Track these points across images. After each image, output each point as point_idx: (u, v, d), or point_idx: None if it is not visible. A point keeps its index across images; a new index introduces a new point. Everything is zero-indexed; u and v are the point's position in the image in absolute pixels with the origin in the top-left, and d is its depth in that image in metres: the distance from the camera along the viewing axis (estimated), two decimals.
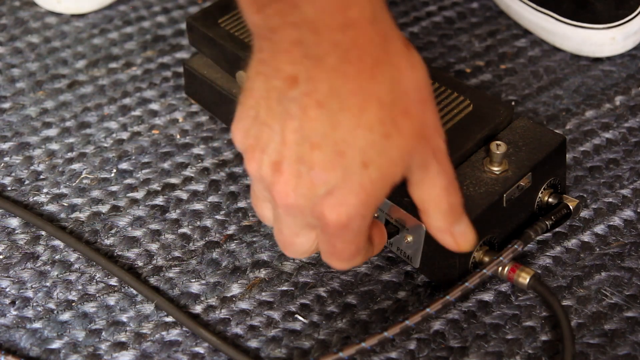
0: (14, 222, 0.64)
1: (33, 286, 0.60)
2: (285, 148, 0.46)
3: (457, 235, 0.50)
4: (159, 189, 0.66)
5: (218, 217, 0.64)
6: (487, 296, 0.59)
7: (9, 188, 0.66)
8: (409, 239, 0.57)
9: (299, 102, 0.45)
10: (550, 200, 0.60)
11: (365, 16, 0.43)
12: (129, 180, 0.66)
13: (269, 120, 0.46)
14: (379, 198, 0.47)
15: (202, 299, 0.59)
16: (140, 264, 0.61)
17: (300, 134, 0.45)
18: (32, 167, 0.67)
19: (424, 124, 0.47)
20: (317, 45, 0.43)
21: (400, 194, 0.57)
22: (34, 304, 0.59)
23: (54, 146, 0.69)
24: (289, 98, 0.45)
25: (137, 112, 0.71)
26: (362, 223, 0.47)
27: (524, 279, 0.56)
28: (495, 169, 0.57)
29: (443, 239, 0.51)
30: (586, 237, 0.62)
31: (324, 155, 0.45)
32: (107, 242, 0.62)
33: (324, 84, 0.44)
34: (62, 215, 0.64)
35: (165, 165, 0.67)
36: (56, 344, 0.57)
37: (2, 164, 0.68)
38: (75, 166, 0.67)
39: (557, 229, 0.62)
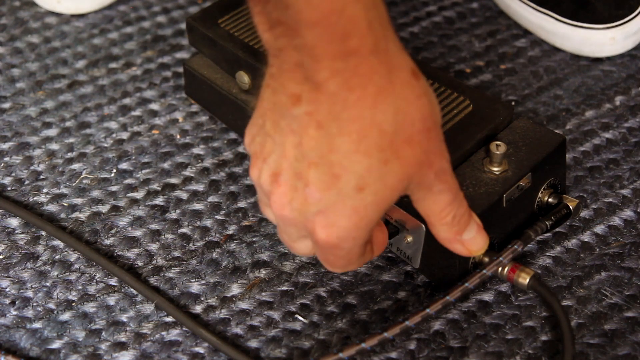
0: (14, 222, 0.64)
1: (33, 286, 0.60)
2: (284, 161, 0.47)
3: (466, 242, 0.51)
4: (159, 189, 0.66)
5: (218, 217, 0.64)
6: (487, 296, 0.59)
7: (9, 188, 0.66)
8: (409, 239, 0.57)
9: (301, 120, 0.45)
10: (550, 200, 0.60)
11: (366, 46, 0.43)
12: (129, 180, 0.66)
13: (272, 132, 0.47)
14: (373, 221, 0.47)
15: (202, 299, 0.59)
16: (140, 264, 0.61)
17: (300, 150, 0.46)
18: (32, 167, 0.67)
19: (427, 152, 0.47)
20: (317, 71, 0.44)
21: None
22: (34, 304, 0.59)
23: (54, 146, 0.69)
24: (292, 115, 0.46)
25: (137, 112, 0.71)
26: (354, 244, 0.48)
27: (524, 279, 0.56)
28: (495, 169, 0.57)
29: (453, 248, 0.51)
30: (586, 237, 0.62)
31: (319, 175, 0.46)
32: (107, 242, 0.62)
33: (324, 107, 0.45)
34: (62, 215, 0.64)
35: (165, 165, 0.67)
36: (56, 344, 0.57)
37: (2, 164, 0.68)
38: (75, 166, 0.68)
39: (557, 229, 0.62)
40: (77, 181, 0.67)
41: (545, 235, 0.62)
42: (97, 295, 0.59)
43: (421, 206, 0.49)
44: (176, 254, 0.62)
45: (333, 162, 0.45)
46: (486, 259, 0.56)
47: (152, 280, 0.60)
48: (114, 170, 0.67)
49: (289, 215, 0.48)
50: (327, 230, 0.47)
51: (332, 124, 0.45)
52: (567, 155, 0.64)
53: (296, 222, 0.48)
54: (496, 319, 0.57)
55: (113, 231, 0.63)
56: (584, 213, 0.64)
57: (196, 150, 0.68)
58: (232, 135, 0.69)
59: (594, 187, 0.65)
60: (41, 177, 0.67)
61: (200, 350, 0.56)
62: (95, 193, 0.66)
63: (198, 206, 0.65)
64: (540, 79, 0.74)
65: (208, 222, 0.64)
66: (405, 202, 0.57)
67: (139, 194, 0.65)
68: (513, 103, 0.72)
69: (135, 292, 0.59)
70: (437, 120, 0.47)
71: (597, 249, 0.61)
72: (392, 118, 0.45)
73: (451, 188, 0.49)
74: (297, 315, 0.58)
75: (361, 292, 0.59)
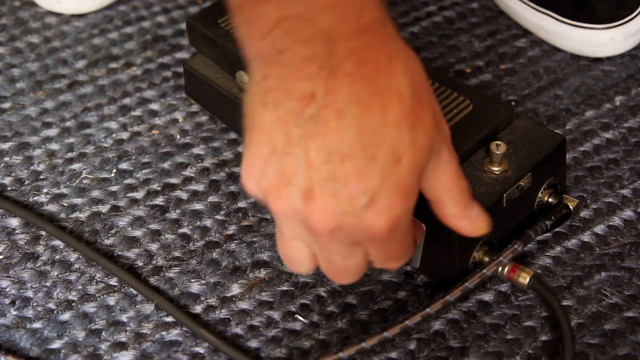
0: (14, 222, 0.64)
1: (33, 286, 0.60)
2: (313, 171, 0.44)
3: (473, 218, 0.50)
4: (159, 189, 0.66)
5: (218, 217, 0.64)
6: (487, 296, 0.59)
7: (9, 188, 0.66)
8: None
9: (318, 117, 0.43)
10: (550, 200, 0.60)
11: (377, 19, 0.44)
12: (129, 180, 0.66)
13: (289, 148, 0.44)
14: (417, 188, 0.46)
15: (202, 299, 0.59)
16: (140, 264, 0.61)
17: (326, 151, 0.43)
18: (32, 167, 0.67)
19: (435, 111, 0.47)
20: (333, 54, 0.43)
21: None
22: (34, 304, 0.59)
23: (54, 146, 0.69)
24: (307, 117, 0.43)
25: (137, 112, 0.71)
26: (408, 218, 0.47)
27: (524, 279, 0.56)
28: (495, 169, 0.57)
29: (460, 225, 0.50)
30: (586, 237, 0.62)
31: (355, 164, 0.43)
32: (107, 242, 0.62)
33: (342, 91, 0.43)
34: (62, 215, 0.64)
35: (165, 165, 0.67)
36: (56, 344, 0.57)
37: (2, 164, 0.68)
38: (75, 166, 0.67)
39: (557, 229, 0.62)
40: (77, 181, 0.67)
41: (545, 235, 0.62)
42: (97, 295, 0.59)
43: (432, 180, 0.48)
44: (176, 254, 0.62)
45: (365, 144, 0.43)
46: (486, 259, 0.56)
47: (152, 280, 0.60)
48: (114, 170, 0.67)
49: (337, 225, 0.45)
50: (384, 216, 0.44)
51: (354, 106, 0.43)
52: (567, 155, 0.64)
53: (347, 228, 0.45)
54: (496, 319, 0.57)
55: (113, 231, 0.63)
56: (584, 213, 0.64)
57: (196, 150, 0.68)
58: (232, 135, 0.69)
59: (594, 187, 0.65)
60: (41, 177, 0.67)
61: (200, 350, 0.56)
62: (95, 193, 0.66)
63: (198, 206, 0.65)
64: (540, 79, 0.74)
65: (208, 222, 0.64)
66: None
67: (139, 194, 0.65)
68: (513, 103, 0.72)
69: (135, 292, 0.59)
70: (428, 79, 0.48)
71: (597, 249, 0.61)
72: (405, 81, 0.44)
73: (455, 157, 0.48)
74: (297, 315, 0.58)
75: (361, 292, 0.59)
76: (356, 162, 0.43)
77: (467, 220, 0.50)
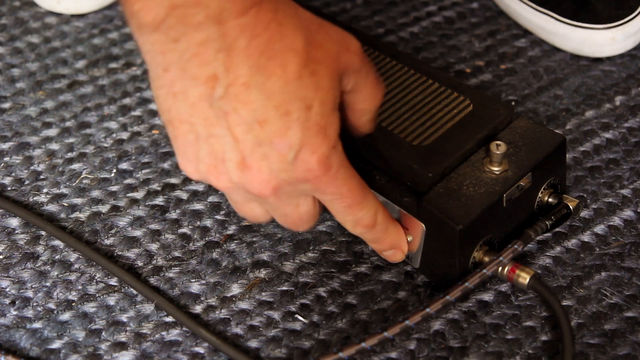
0: (14, 222, 0.64)
1: (33, 286, 0.60)
2: (239, 143, 0.47)
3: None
4: (159, 189, 0.66)
5: (218, 217, 0.64)
6: (487, 296, 0.59)
7: (9, 188, 0.66)
8: (409, 239, 0.57)
9: (228, 95, 0.46)
10: (550, 200, 0.60)
11: None
12: (129, 180, 0.66)
13: (211, 129, 0.47)
14: (335, 125, 0.49)
15: (202, 299, 0.59)
16: (140, 264, 0.61)
17: (244, 122, 0.47)
18: (32, 167, 0.67)
19: (337, 40, 0.49)
20: (225, 35, 0.45)
21: (400, 194, 0.57)
22: (34, 304, 0.59)
23: (54, 146, 0.69)
24: (217, 97, 0.46)
25: (137, 112, 0.71)
26: (337, 152, 0.50)
27: (524, 279, 0.56)
28: (495, 169, 0.57)
29: (365, 126, 0.54)
30: (586, 237, 0.62)
31: (274, 125, 0.47)
32: (107, 242, 0.62)
33: (242, 66, 0.46)
34: (62, 215, 0.64)
35: (165, 165, 0.67)
36: (56, 344, 0.57)
37: (2, 164, 0.68)
38: (75, 166, 0.68)
39: (557, 229, 0.62)
40: (77, 181, 0.67)
41: (545, 235, 0.62)
42: (97, 295, 0.59)
43: (356, 95, 0.52)
44: (176, 254, 0.62)
45: (277, 105, 0.47)
46: (486, 259, 0.56)
47: (152, 280, 0.60)
48: (114, 170, 0.67)
49: (277, 183, 0.48)
50: (313, 158, 0.48)
51: (256, 75, 0.46)
52: (567, 155, 0.64)
53: (288, 182, 0.49)
54: (496, 318, 0.57)
55: (113, 231, 0.63)
56: (584, 213, 0.64)
57: None
58: None
59: (594, 187, 0.65)
60: (41, 177, 0.67)
61: (200, 350, 0.56)
62: (95, 193, 0.66)
63: (198, 206, 0.65)
64: (540, 79, 0.74)
65: (208, 222, 0.64)
66: (405, 202, 0.57)
67: (139, 194, 0.65)
68: (513, 103, 0.72)
69: (135, 292, 0.59)
70: (314, 13, 0.50)
71: (597, 249, 0.61)
72: (296, 36, 0.47)
73: (373, 66, 0.52)
74: (297, 315, 0.58)
75: (361, 292, 0.59)
76: (274, 123, 0.47)
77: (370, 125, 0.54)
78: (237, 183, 0.49)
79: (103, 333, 0.57)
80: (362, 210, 0.53)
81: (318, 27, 0.49)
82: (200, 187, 0.66)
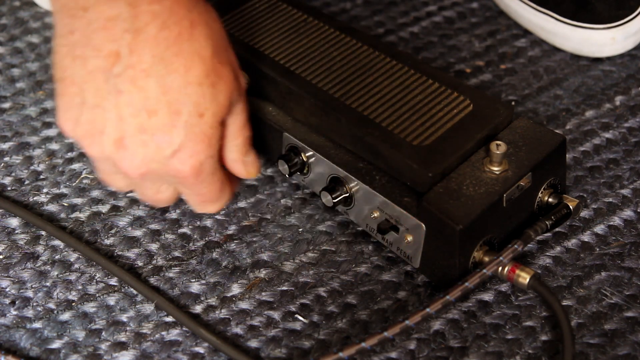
0: (14, 222, 0.64)
1: (33, 286, 0.60)
2: (123, 123, 0.49)
3: (247, 163, 0.57)
4: None
5: (218, 217, 0.64)
6: (487, 296, 0.59)
7: (9, 188, 0.66)
8: (409, 239, 0.57)
9: (126, 75, 0.47)
10: (550, 200, 0.60)
11: None
12: None
13: (100, 101, 0.49)
14: (219, 137, 0.52)
15: (202, 299, 0.59)
16: (140, 264, 0.61)
17: (135, 106, 0.48)
18: (32, 167, 0.67)
19: (234, 67, 0.52)
20: (135, 17, 0.47)
21: (400, 194, 0.57)
22: (34, 304, 0.59)
23: (54, 146, 0.69)
24: (115, 74, 0.48)
25: None
26: (213, 162, 0.52)
27: (524, 279, 0.56)
28: (495, 168, 0.57)
29: (236, 168, 0.57)
30: (586, 237, 0.62)
31: (161, 119, 0.49)
32: (107, 242, 0.62)
33: (146, 53, 0.47)
34: (62, 215, 0.64)
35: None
36: (56, 344, 0.57)
37: (2, 164, 0.68)
38: (75, 166, 0.68)
39: (557, 229, 0.62)
40: (77, 181, 0.67)
41: (545, 235, 0.62)
42: (97, 295, 0.59)
43: (227, 127, 0.54)
44: (176, 253, 0.62)
45: (170, 101, 0.49)
46: (486, 259, 0.56)
47: (152, 280, 0.60)
48: None
49: (147, 170, 0.50)
50: (188, 162, 0.50)
51: (158, 66, 0.48)
52: (567, 155, 0.64)
53: (156, 172, 0.51)
54: (496, 318, 0.57)
55: (113, 231, 0.63)
56: (584, 213, 0.64)
57: None
58: None
59: (594, 187, 0.65)
60: (41, 177, 0.67)
61: (200, 350, 0.56)
62: (95, 193, 0.66)
63: None
64: (540, 79, 0.74)
65: (208, 222, 0.64)
66: (405, 202, 0.57)
67: None
68: (513, 103, 0.72)
69: (135, 292, 0.59)
70: (227, 36, 0.53)
71: (597, 249, 0.61)
72: (206, 43, 0.49)
73: (247, 109, 0.55)
74: (297, 315, 0.58)
75: (361, 292, 0.59)
76: (162, 117, 0.49)
77: (242, 165, 0.57)
78: (108, 156, 0.50)
79: (103, 333, 0.57)
80: (212, 206, 0.56)
81: (224, 45, 0.51)
82: None
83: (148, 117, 0.48)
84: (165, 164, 0.50)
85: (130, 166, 0.50)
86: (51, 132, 0.70)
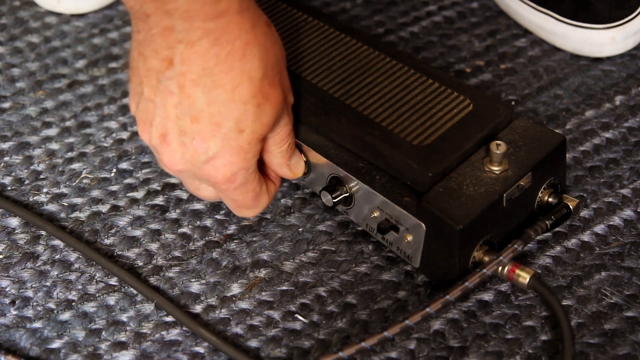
0: (14, 221, 0.64)
1: (33, 286, 0.60)
2: (168, 121, 0.52)
3: (292, 166, 0.60)
4: (159, 188, 0.66)
5: (218, 217, 0.64)
6: (487, 296, 0.59)
7: (9, 188, 0.66)
8: (409, 238, 0.57)
9: (176, 80, 0.51)
10: (550, 200, 0.60)
11: (234, 7, 0.50)
12: (129, 180, 0.66)
13: (152, 96, 0.52)
14: (257, 152, 0.54)
15: (202, 298, 0.59)
16: (140, 263, 0.61)
17: (180, 109, 0.52)
18: (32, 167, 0.67)
19: (285, 89, 0.55)
20: (189, 31, 0.49)
21: (400, 194, 0.57)
22: (34, 304, 0.59)
23: (54, 146, 0.69)
24: (167, 77, 0.51)
25: None
26: (247, 173, 0.55)
27: (524, 278, 0.56)
28: (495, 168, 0.57)
29: (282, 172, 0.60)
30: (586, 237, 0.62)
31: (202, 127, 0.52)
32: (107, 241, 0.62)
33: (197, 65, 0.50)
34: (62, 215, 0.64)
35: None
36: (56, 344, 0.57)
37: (2, 164, 0.68)
38: (75, 166, 0.67)
39: (557, 229, 0.62)
40: (77, 181, 0.67)
41: (545, 234, 0.62)
42: (97, 294, 0.59)
43: (271, 137, 0.56)
44: (176, 253, 0.62)
45: (213, 113, 0.52)
46: (486, 259, 0.56)
47: (152, 279, 0.60)
48: (114, 170, 0.67)
49: (182, 168, 0.54)
50: (221, 171, 0.53)
51: (207, 79, 0.51)
52: (567, 155, 0.64)
53: (190, 173, 0.54)
54: (496, 318, 0.57)
55: (113, 231, 0.63)
56: (584, 213, 0.64)
57: None
58: None
59: (594, 187, 0.65)
60: (41, 176, 0.67)
61: (200, 350, 0.56)
62: (95, 193, 0.66)
63: (198, 206, 0.65)
64: (540, 79, 0.74)
65: (208, 222, 0.64)
66: (405, 202, 0.57)
67: (139, 194, 0.65)
68: (513, 103, 0.72)
69: (135, 291, 0.59)
70: (285, 59, 0.55)
71: (597, 249, 0.61)
72: (258, 65, 0.52)
73: (291, 119, 0.57)
74: (297, 315, 0.58)
75: (361, 292, 0.59)
76: (203, 126, 0.52)
77: (287, 168, 0.59)
78: (153, 146, 0.54)
79: (103, 333, 0.57)
80: (248, 211, 0.58)
81: (278, 68, 0.54)
82: None
83: (191, 122, 0.52)
84: (200, 168, 0.53)
85: (168, 161, 0.54)
86: (51, 131, 0.70)
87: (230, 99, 0.51)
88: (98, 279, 0.60)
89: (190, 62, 0.50)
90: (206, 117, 0.52)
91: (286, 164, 0.59)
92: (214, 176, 0.54)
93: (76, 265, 0.61)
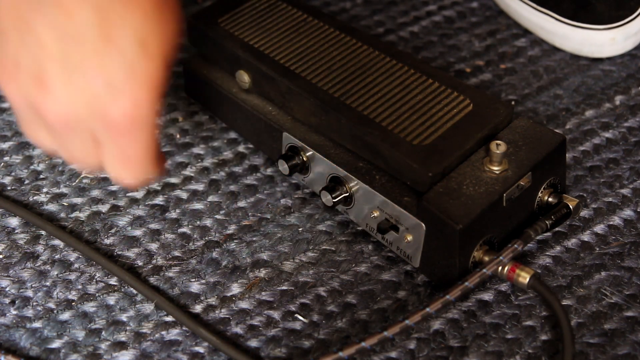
0: (14, 221, 0.64)
1: (33, 286, 0.60)
2: (44, 55, 0.40)
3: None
4: (159, 188, 0.66)
5: (218, 216, 0.64)
6: (487, 296, 0.59)
7: (9, 187, 0.66)
8: (409, 238, 0.57)
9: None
10: (550, 199, 0.60)
11: None
12: None
13: (19, 24, 0.40)
14: (162, 81, 0.43)
15: (202, 298, 0.59)
16: (140, 263, 0.61)
17: (62, 30, 0.39)
18: (32, 167, 0.67)
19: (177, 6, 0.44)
20: None
21: (400, 194, 0.57)
22: (34, 304, 0.59)
23: None
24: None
25: None
26: (150, 114, 0.43)
27: (524, 278, 0.56)
28: (495, 168, 0.57)
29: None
30: (586, 236, 0.62)
31: (93, 45, 0.40)
32: (107, 241, 0.62)
33: None
34: (62, 215, 0.64)
35: (165, 164, 0.67)
36: (56, 344, 0.57)
37: (2, 164, 0.68)
38: (75, 165, 0.67)
39: (557, 229, 0.62)
40: (77, 180, 0.67)
41: (545, 234, 0.62)
42: (97, 294, 0.59)
43: None
44: (176, 253, 0.62)
45: (107, 25, 0.40)
46: (486, 258, 0.56)
47: (152, 279, 0.60)
48: None
49: (76, 113, 0.41)
50: (122, 101, 0.41)
51: None
52: (567, 155, 0.64)
53: (82, 118, 0.42)
54: (496, 318, 0.57)
55: (113, 231, 0.63)
56: (584, 212, 0.64)
57: (196, 150, 0.68)
58: (232, 135, 0.69)
59: (594, 187, 0.65)
60: (41, 176, 0.67)
61: (200, 349, 0.56)
62: (95, 192, 0.66)
63: (198, 206, 0.65)
64: (540, 79, 0.74)
65: (208, 222, 0.64)
66: (405, 202, 0.57)
67: (138, 194, 0.65)
68: (513, 102, 0.72)
69: (135, 291, 0.59)
70: None
71: (597, 249, 0.61)
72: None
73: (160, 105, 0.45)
74: (297, 315, 0.58)
75: (361, 292, 0.59)
76: (94, 43, 0.40)
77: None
78: (29, 100, 0.42)
79: (103, 332, 0.57)
80: (129, 170, 0.47)
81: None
82: (200, 187, 0.66)
83: (75, 44, 0.40)
84: (93, 107, 0.41)
85: (55, 110, 0.41)
86: None
87: (128, 5, 0.40)
88: (98, 279, 0.60)
89: None
90: (96, 32, 0.39)
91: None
92: (111, 112, 0.41)
93: (76, 265, 0.61)
